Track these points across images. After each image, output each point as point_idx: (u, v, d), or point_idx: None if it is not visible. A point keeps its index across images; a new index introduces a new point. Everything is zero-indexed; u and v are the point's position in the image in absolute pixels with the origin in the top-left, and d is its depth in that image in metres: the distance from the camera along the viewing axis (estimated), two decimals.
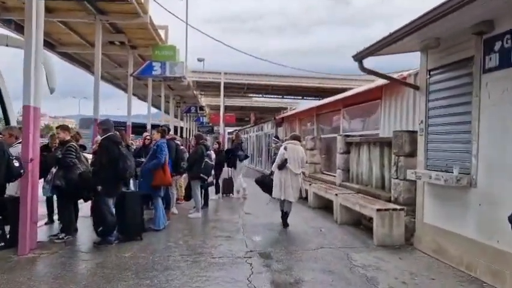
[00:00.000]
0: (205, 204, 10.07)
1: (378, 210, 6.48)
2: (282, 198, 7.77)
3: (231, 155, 12.16)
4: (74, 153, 6.40)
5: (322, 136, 13.05)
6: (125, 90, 18.60)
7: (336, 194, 8.47)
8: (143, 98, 23.85)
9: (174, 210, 8.79)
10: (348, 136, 10.10)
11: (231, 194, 11.92)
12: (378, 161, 8.32)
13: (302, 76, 20.17)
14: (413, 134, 6.97)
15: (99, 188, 5.97)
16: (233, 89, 22.67)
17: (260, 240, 6.73)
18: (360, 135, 9.85)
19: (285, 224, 7.78)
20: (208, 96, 28.64)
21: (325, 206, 9.93)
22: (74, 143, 6.62)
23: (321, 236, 7.13)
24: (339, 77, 20.52)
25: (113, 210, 6.14)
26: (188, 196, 9.00)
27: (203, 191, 9.57)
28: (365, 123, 10.49)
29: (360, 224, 8.04)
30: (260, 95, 25.40)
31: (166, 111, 24.49)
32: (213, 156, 10.59)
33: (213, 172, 9.66)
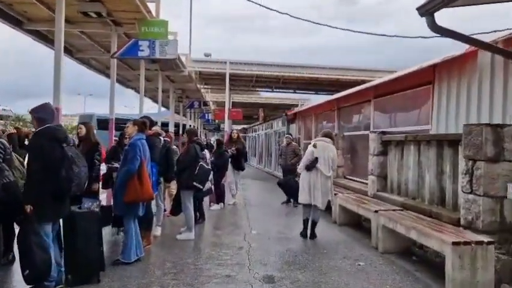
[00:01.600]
0: (201, 217, 7.97)
1: (454, 244, 4.27)
2: (313, 203, 6.70)
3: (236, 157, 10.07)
4: None
5: (345, 134, 10.85)
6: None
7: (376, 211, 6.27)
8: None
9: (157, 231, 6.63)
10: (384, 133, 7.90)
11: (221, 204, 9.78)
12: (434, 166, 6.11)
13: (319, 66, 17.88)
14: (498, 129, 4.79)
15: (28, 208, 3.87)
16: (240, 82, 20.47)
17: (275, 283, 4.58)
18: (402, 133, 7.65)
19: (312, 235, 6.73)
20: (214, 92, 26.51)
21: (355, 223, 7.76)
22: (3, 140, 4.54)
23: (361, 274, 4.96)
24: (363, 68, 18.22)
25: (50, 242, 4.01)
26: (176, 209, 6.87)
27: (197, 202, 7.45)
28: (407, 117, 8.28)
29: (412, 253, 5.85)
30: (270, 89, 23.15)
31: (165, 106, 22.44)
32: (208, 156, 8.50)
33: (211, 176, 7.66)
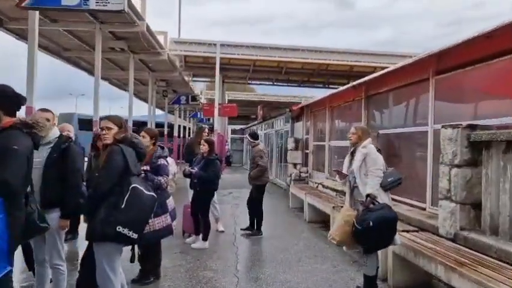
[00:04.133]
0: (153, 272, 4.66)
1: None
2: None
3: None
4: None
5: (381, 132, 7.49)
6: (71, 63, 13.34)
7: None
8: (120, 85, 18.47)
9: None
10: (473, 128, 4.55)
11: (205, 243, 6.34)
12: None
13: (329, 50, 14.50)
14: None
15: None
16: (234, 72, 17.15)
17: None
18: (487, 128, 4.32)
19: None
20: (212, 88, 23.13)
21: (420, 282, 4.42)
22: None
23: None
24: (382, 52, 14.86)
25: None
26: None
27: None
28: (501, 105, 4.90)
29: None
30: (270, 82, 19.79)
31: (141, 97, 19.12)
32: (172, 169, 5.22)
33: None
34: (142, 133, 4.60)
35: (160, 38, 12.44)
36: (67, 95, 72.26)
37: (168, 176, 4.68)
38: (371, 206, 4.25)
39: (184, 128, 30.09)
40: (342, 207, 5.21)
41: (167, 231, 4.58)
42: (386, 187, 4.37)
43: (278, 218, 8.86)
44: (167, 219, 4.57)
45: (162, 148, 4.71)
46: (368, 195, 4.35)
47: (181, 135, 32.79)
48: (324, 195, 8.28)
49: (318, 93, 19.84)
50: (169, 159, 5.03)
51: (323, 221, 8.00)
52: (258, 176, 7.16)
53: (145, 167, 4.47)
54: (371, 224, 4.09)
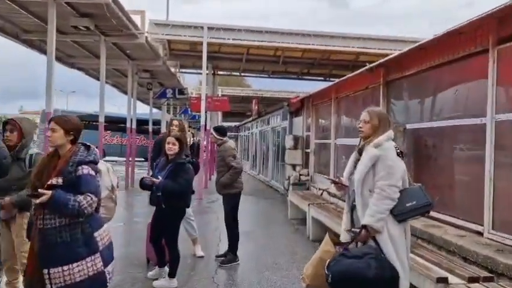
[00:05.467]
0: None
1: None
2: None
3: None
4: None
5: (409, 126, 5.71)
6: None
7: None
8: (95, 75, 16.61)
9: None
10: None
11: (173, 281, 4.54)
12: None
13: (333, 35, 12.61)
14: None
15: None
16: (225, 63, 15.34)
17: None
18: None
19: None
20: (201, 80, 21.29)
21: None
22: None
23: None
24: (392, 38, 13.03)
25: None
26: None
27: None
28: None
29: None
30: (265, 75, 17.98)
31: (124, 91, 17.34)
32: (107, 182, 3.54)
33: None
34: (52, 124, 2.82)
35: (137, 19, 10.64)
36: (57, 92, 70.02)
37: (96, 193, 2.89)
38: (361, 245, 2.78)
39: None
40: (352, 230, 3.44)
41: (98, 282, 2.82)
42: (401, 216, 2.71)
43: (274, 235, 7.10)
44: (97, 264, 2.82)
45: (87, 148, 2.91)
46: (363, 227, 2.73)
47: None
48: (332, 208, 6.50)
49: (318, 88, 18.11)
50: (101, 164, 3.24)
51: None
52: (230, 182, 5.35)
53: (55, 180, 2.72)
54: (329, 279, 2.62)
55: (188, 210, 5.62)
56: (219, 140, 5.51)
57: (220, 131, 5.65)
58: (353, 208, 2.92)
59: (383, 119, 3.04)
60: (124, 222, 7.83)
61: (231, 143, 5.62)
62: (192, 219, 5.68)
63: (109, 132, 30.58)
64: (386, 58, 6.38)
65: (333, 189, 3.20)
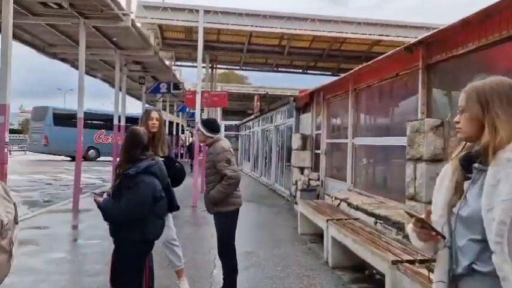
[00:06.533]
0: None
1: None
2: None
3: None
4: None
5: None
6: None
7: None
8: (87, 70, 15.12)
9: None
10: None
11: None
12: None
13: (347, 20, 11.16)
14: None
15: None
16: (224, 55, 13.89)
17: None
18: None
19: None
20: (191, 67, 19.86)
21: None
22: None
23: None
24: (413, 24, 11.59)
25: None
26: None
27: None
28: None
29: None
30: (269, 69, 16.56)
31: (111, 83, 15.93)
32: None
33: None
34: None
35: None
36: (55, 90, 68.97)
37: None
38: None
39: (171, 123, 26.75)
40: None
41: None
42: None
43: (282, 259, 5.63)
44: None
45: None
46: None
47: (174, 132, 29.45)
48: (359, 228, 5.04)
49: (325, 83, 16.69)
50: None
51: (360, 269, 4.85)
52: (224, 196, 3.94)
53: None
54: None
55: (171, 233, 4.21)
56: (208, 138, 4.07)
57: (210, 125, 4.18)
58: (462, 275, 1.47)
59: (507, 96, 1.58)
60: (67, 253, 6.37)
61: (224, 142, 4.15)
62: (175, 245, 4.25)
63: (103, 131, 29.20)
64: (428, 34, 4.95)
65: (413, 237, 1.67)
